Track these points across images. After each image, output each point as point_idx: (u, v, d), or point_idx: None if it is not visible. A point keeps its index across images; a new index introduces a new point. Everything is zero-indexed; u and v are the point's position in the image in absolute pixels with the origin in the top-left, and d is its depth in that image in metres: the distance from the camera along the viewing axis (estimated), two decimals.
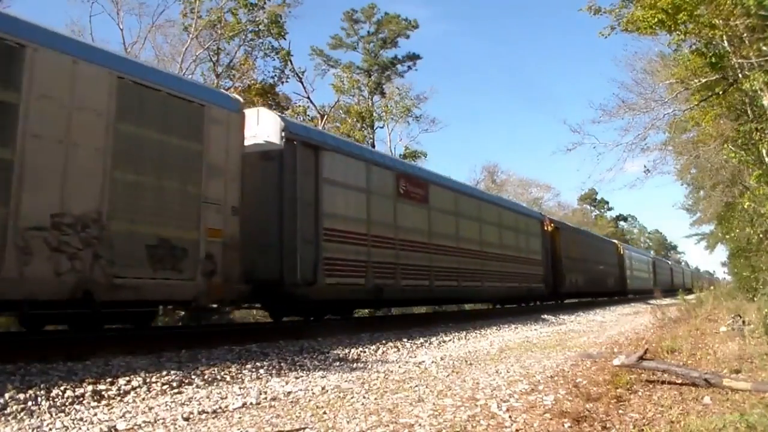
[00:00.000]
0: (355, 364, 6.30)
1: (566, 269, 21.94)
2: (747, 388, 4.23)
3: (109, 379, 4.54)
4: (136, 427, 3.48)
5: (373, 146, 27.09)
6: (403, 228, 11.54)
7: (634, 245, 62.09)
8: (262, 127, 8.97)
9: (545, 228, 20.68)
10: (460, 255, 13.93)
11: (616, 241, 35.57)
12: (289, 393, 4.55)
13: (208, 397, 4.35)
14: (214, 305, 8.06)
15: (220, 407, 4.02)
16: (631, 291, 34.65)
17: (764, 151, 12.79)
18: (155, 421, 3.61)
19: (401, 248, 11.39)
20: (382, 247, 10.74)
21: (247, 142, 8.29)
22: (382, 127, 31.03)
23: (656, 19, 10.72)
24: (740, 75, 11.52)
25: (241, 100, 8.42)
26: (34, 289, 5.37)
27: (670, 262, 60.75)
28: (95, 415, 3.77)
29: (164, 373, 4.88)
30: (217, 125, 7.56)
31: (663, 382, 4.76)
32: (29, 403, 3.86)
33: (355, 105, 28.84)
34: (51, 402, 3.96)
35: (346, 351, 7.18)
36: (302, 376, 5.45)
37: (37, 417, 3.71)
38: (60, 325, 7.99)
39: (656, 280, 43.18)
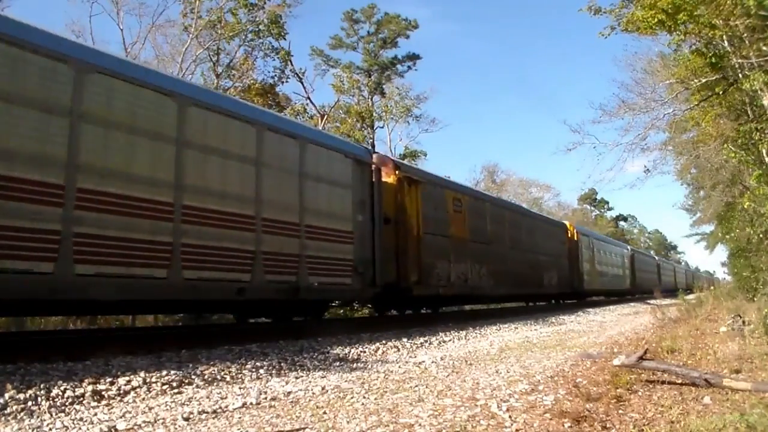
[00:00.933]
0: (355, 364, 6.30)
1: (429, 254, 12.16)
2: (747, 388, 4.23)
3: (109, 379, 4.53)
4: (136, 427, 3.48)
5: (373, 146, 27.09)
6: None
7: (634, 245, 59.77)
8: None
9: (376, 176, 10.85)
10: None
11: (567, 222, 25.15)
12: (289, 393, 4.55)
13: (208, 397, 4.35)
14: None
15: (220, 407, 4.02)
16: (591, 292, 25.83)
17: (764, 151, 12.81)
18: (155, 421, 3.61)
19: None
20: None
21: None
22: (382, 127, 31.13)
23: (656, 19, 10.74)
24: (740, 75, 11.54)
25: None
26: None
27: (657, 258, 50.96)
28: (95, 415, 3.77)
29: (164, 373, 4.88)
30: None
31: (663, 382, 4.76)
32: (29, 403, 3.86)
33: (355, 105, 28.86)
34: (51, 402, 3.95)
35: (346, 351, 7.18)
36: (302, 376, 5.45)
37: (37, 417, 3.71)
38: None
39: (636, 280, 33.86)
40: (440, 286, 12.67)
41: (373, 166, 10.89)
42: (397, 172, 11.84)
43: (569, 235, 23.17)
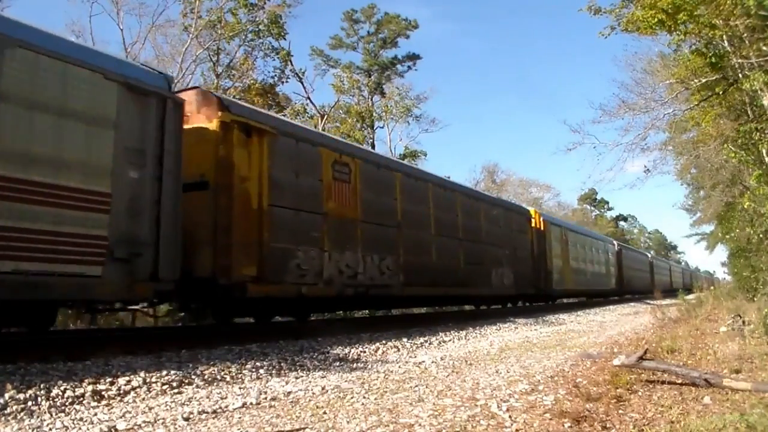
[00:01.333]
0: (355, 364, 6.30)
1: (281, 237, 8.43)
2: (747, 388, 4.23)
3: (109, 379, 4.53)
4: (136, 427, 3.49)
5: (373, 147, 27.14)
6: None
7: (634, 245, 59.39)
8: None
9: (174, 116, 6.92)
10: None
11: (531, 209, 20.31)
12: (289, 393, 4.55)
13: (208, 397, 4.35)
14: None
15: (220, 407, 4.02)
16: (562, 293, 21.92)
17: (764, 151, 12.81)
18: (155, 421, 3.61)
19: None
20: None
21: None
22: (382, 127, 31.14)
23: (656, 19, 10.73)
24: (740, 75, 11.54)
25: None
26: None
27: (650, 255, 46.57)
28: (95, 415, 3.77)
29: (164, 373, 4.88)
30: None
31: (663, 382, 4.77)
32: (29, 403, 3.86)
33: (355, 105, 28.87)
34: (51, 402, 3.95)
35: (346, 351, 7.19)
36: (302, 376, 5.45)
37: (37, 417, 3.71)
38: None
39: (623, 279, 30.38)
40: (303, 283, 8.72)
41: (169, 100, 6.87)
42: (221, 113, 7.78)
43: (533, 224, 18.73)
